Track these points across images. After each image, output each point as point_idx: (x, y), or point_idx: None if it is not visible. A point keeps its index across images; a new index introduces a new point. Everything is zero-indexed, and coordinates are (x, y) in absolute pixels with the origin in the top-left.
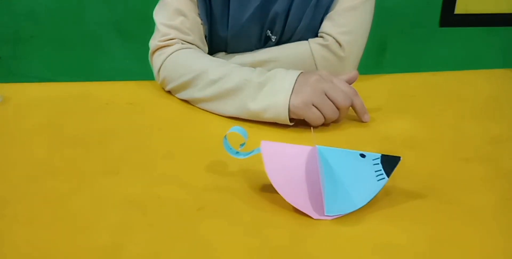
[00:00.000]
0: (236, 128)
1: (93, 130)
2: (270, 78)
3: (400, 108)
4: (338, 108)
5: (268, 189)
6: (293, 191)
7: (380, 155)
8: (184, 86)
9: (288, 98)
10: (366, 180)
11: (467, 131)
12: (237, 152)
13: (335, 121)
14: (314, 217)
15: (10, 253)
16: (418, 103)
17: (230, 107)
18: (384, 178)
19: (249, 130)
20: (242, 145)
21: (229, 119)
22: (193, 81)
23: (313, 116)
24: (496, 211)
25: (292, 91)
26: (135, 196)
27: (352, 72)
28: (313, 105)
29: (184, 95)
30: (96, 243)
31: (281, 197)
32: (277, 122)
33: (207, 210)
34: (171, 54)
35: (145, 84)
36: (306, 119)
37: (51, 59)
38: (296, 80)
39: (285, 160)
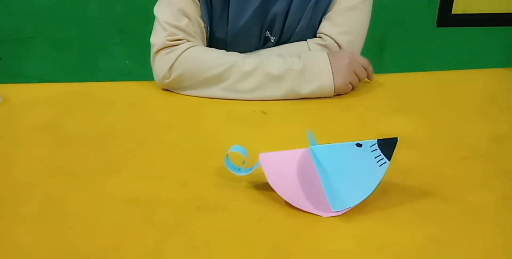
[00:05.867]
0: (235, 148)
1: (94, 130)
2: (306, 63)
3: (398, 107)
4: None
5: (267, 187)
6: (298, 194)
7: (376, 140)
8: (212, 80)
9: (332, 80)
10: (368, 168)
11: (466, 130)
12: (239, 169)
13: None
14: (324, 216)
15: (10, 252)
16: (417, 102)
17: (275, 93)
18: (385, 162)
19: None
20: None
21: (230, 119)
22: (224, 74)
23: (348, 90)
24: (495, 210)
25: (332, 71)
26: (135, 195)
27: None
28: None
29: (212, 90)
30: (97, 241)
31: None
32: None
33: (207, 208)
34: (185, 50)
35: (145, 84)
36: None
37: (51, 59)
38: (329, 60)
39: (284, 168)
